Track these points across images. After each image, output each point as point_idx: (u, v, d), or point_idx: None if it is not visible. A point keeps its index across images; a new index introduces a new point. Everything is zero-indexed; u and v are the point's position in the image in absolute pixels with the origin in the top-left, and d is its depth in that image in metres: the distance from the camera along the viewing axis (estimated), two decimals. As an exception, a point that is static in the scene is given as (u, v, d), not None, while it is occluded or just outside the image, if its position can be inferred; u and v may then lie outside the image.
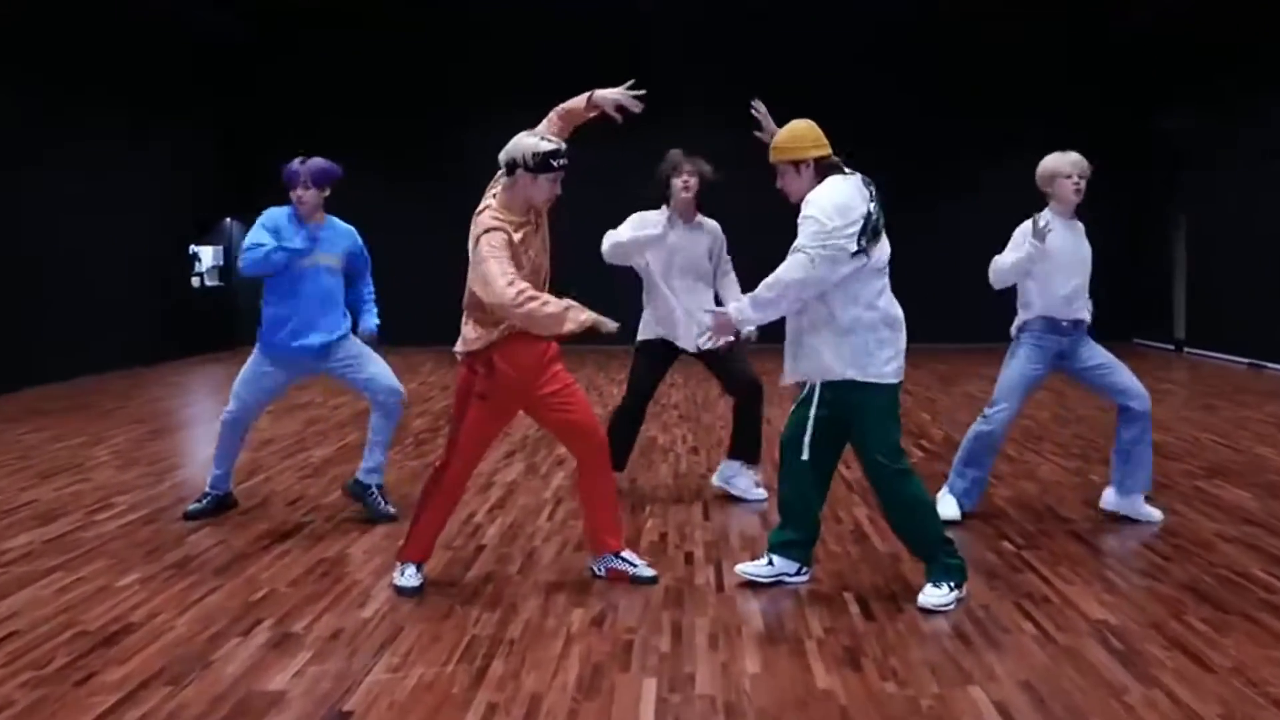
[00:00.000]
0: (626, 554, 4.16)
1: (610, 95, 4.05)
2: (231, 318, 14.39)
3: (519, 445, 7.03)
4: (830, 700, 3.02)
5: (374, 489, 5.13)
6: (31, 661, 3.34)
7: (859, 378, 3.76)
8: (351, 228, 5.28)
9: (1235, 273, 11.94)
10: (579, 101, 4.10)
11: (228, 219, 14.80)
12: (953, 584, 3.79)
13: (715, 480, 5.60)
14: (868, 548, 4.59)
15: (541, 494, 5.67)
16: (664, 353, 5.44)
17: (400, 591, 3.98)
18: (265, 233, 4.94)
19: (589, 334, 3.73)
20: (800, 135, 3.85)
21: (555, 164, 3.81)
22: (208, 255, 14.50)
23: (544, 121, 4.10)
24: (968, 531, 4.77)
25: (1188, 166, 13.13)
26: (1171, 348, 13.60)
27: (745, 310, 3.84)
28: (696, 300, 5.30)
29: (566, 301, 3.77)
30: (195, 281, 14.24)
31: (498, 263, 3.72)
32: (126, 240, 12.03)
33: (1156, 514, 4.97)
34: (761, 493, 5.42)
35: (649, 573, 4.12)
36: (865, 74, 13.92)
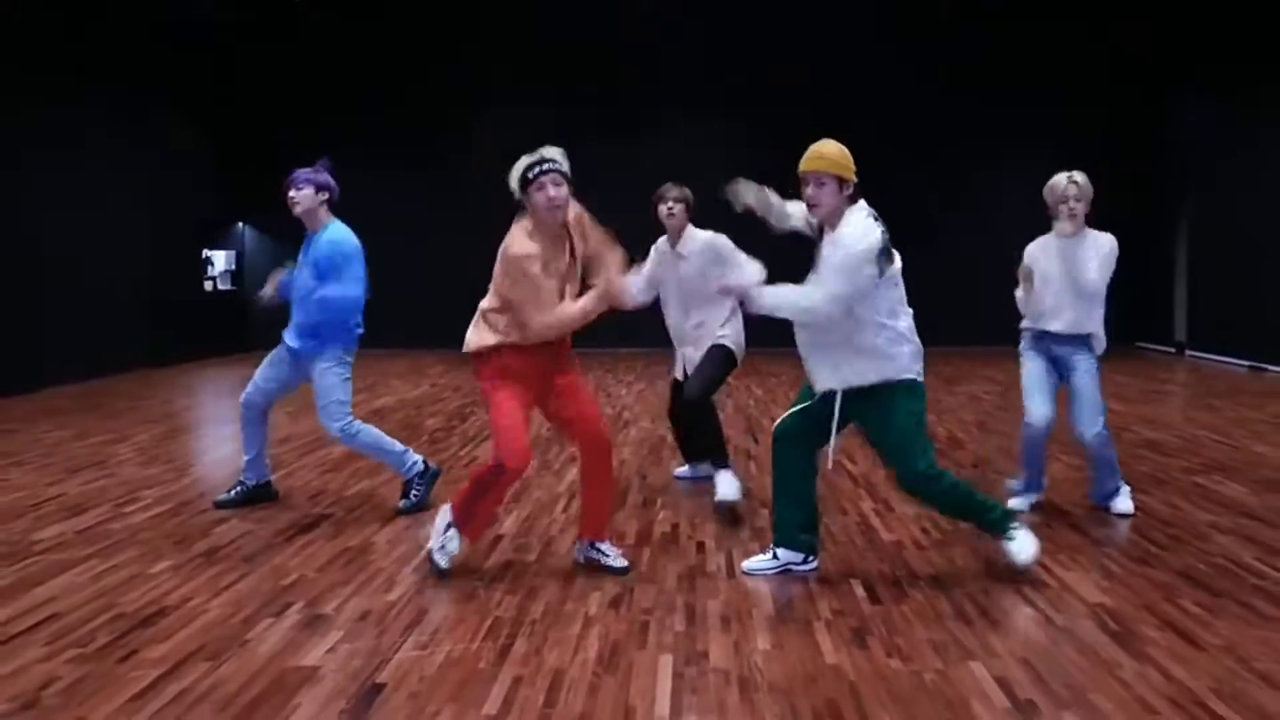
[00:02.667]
0: (602, 544, 4.30)
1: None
2: (242, 322, 14.60)
3: (533, 441, 7.17)
4: (838, 675, 3.17)
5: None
6: (74, 640, 3.50)
7: (895, 377, 3.96)
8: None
9: (1236, 275, 12.08)
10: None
11: (240, 223, 15.01)
12: (1013, 526, 4.10)
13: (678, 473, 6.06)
14: (874, 538, 4.74)
15: (555, 489, 5.82)
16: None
17: (435, 568, 4.14)
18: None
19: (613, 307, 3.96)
20: (847, 154, 3.98)
21: (531, 175, 3.92)
22: (220, 260, 14.69)
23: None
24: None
25: (1193, 168, 13.25)
26: (1172, 350, 13.74)
27: (762, 300, 3.99)
28: (694, 328, 5.54)
29: (582, 301, 3.95)
30: (208, 285, 14.43)
31: (528, 288, 3.92)
32: (130, 241, 12.16)
33: (1128, 506, 5.19)
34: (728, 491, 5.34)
35: (621, 564, 4.26)
36: (874, 67, 14.00)
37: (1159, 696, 2.99)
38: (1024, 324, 5.21)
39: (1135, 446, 7.00)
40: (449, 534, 4.16)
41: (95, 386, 10.63)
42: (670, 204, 5.51)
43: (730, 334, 5.45)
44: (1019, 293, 5.13)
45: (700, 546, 4.62)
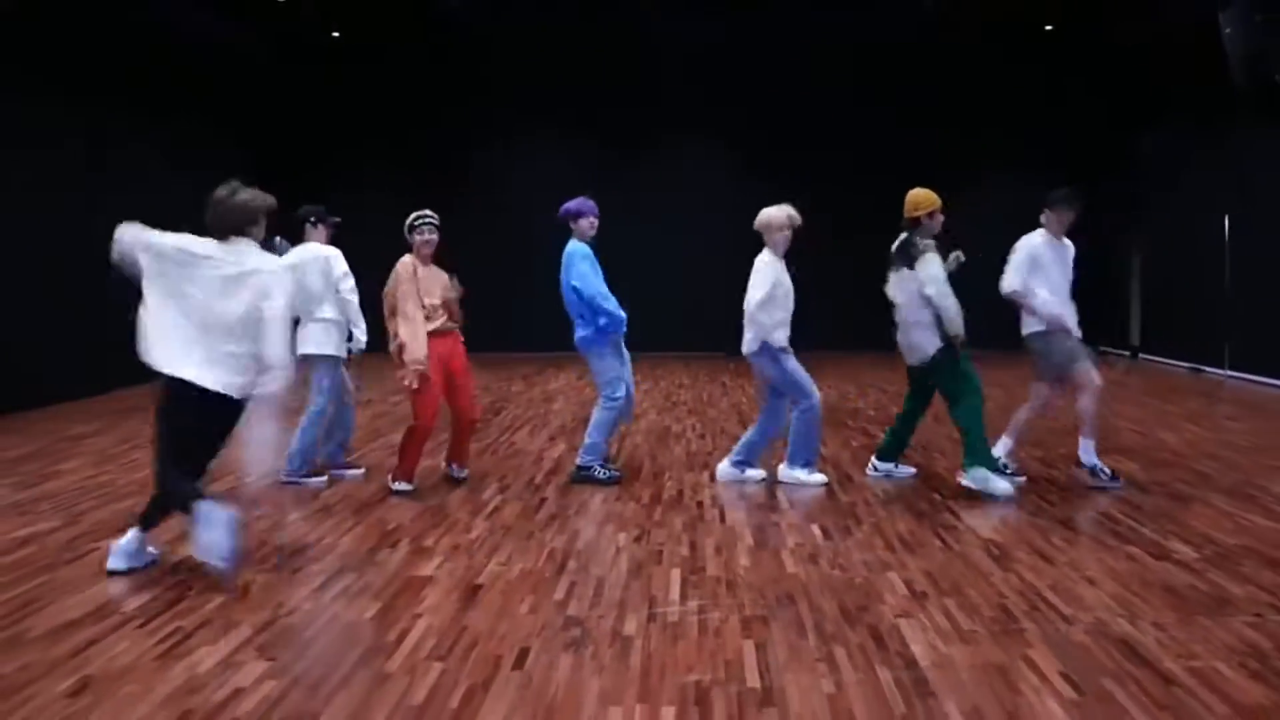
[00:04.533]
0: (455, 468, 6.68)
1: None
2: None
3: (558, 431, 8.60)
4: (795, 579, 4.58)
5: (593, 466, 6.61)
6: (255, 559, 4.90)
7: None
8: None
9: (1181, 286, 13.51)
10: None
11: (278, 237, 16.38)
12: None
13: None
14: (837, 501, 6.15)
15: (583, 465, 7.21)
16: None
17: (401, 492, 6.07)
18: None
19: None
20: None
21: (416, 223, 6.31)
22: (261, 272, 16.07)
23: None
24: (910, 489, 6.33)
25: (1148, 191, 14.65)
26: (1128, 354, 15.15)
27: None
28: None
29: (418, 356, 6.02)
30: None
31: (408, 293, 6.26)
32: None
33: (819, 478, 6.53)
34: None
35: (464, 474, 6.71)
36: (862, 97, 15.25)
37: (1011, 590, 4.40)
38: (782, 334, 6.37)
39: (1064, 435, 8.37)
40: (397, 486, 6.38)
41: (136, 392, 11.97)
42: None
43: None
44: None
45: (699, 504, 6.02)
